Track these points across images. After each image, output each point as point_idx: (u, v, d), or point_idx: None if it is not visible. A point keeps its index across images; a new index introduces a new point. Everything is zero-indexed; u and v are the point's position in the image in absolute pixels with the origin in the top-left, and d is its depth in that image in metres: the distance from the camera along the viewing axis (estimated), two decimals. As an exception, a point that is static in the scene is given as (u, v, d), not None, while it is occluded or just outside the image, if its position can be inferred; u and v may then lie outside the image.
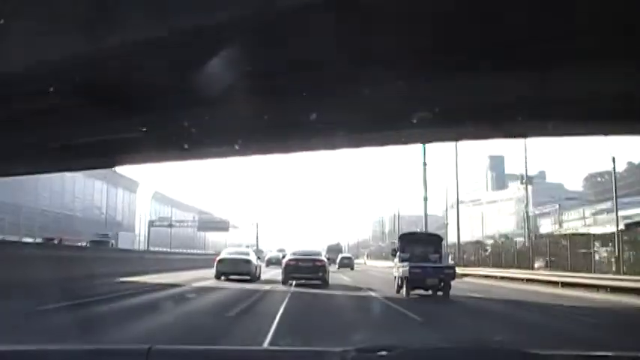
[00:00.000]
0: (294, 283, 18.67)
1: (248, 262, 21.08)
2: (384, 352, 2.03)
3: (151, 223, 54.64)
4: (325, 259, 20.41)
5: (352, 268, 43.57)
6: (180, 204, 62.39)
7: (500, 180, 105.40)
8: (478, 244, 41.54)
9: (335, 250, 62.38)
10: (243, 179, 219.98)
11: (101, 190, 45.67)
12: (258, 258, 24.58)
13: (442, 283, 15.57)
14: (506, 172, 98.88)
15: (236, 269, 20.67)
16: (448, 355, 2.30)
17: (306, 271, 18.96)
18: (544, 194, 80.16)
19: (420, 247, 17.65)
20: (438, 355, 2.29)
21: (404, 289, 15.88)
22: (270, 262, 37.06)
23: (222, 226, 55.90)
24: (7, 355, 2.16)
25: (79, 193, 41.73)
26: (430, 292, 15.79)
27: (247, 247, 33.34)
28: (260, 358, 2.54)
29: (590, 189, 79.36)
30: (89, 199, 43.42)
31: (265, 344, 6.94)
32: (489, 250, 37.21)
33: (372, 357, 2.04)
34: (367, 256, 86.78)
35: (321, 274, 18.95)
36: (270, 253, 48.70)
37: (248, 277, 20.32)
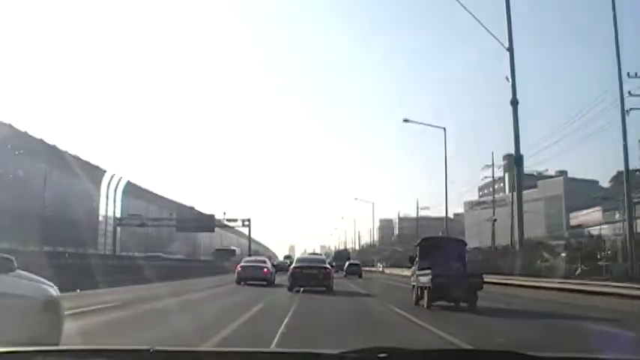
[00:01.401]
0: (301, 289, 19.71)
1: (265, 269, 24.45)
2: (383, 355, 2.05)
3: (119, 222, 44.41)
4: (330, 267, 22.16)
5: (360, 276, 42.23)
6: (160, 199, 51.52)
7: (520, 180, 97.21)
8: (540, 246, 31.21)
9: (342, 256, 60.31)
10: (237, 176, 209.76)
11: (46, 176, 35.17)
12: (273, 265, 27.76)
13: (468, 294, 14.36)
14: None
15: (255, 275, 23.72)
16: (447, 358, 2.39)
17: (311, 278, 20.34)
18: (579, 192, 72.90)
19: (442, 254, 16.26)
20: (437, 357, 2.33)
21: (425, 300, 14.69)
22: (278, 269, 36.99)
23: (205, 224, 45.82)
24: (8, 355, 2.21)
25: (10, 178, 31.22)
26: (453, 303, 14.71)
27: (233, 248, 29.44)
28: None
29: (621, 187, 71.62)
30: (24, 187, 32.87)
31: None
32: (563, 255, 27.14)
33: (371, 359, 2.06)
34: (380, 263, 77.65)
35: (326, 281, 20.45)
36: (277, 259, 52.28)
37: (265, 282, 23.45)
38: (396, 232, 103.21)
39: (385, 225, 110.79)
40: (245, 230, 56.15)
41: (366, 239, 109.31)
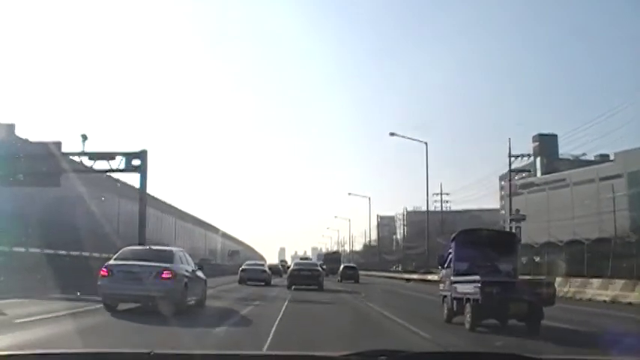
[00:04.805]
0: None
1: (264, 271, 31.98)
2: (383, 357, 2.14)
3: None
4: (321, 269, 29.49)
5: (357, 281, 39.67)
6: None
7: (554, 164, 78.78)
8: None
9: (333, 259, 59.32)
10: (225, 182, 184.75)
11: None
12: (270, 268, 35.76)
13: (533, 310, 10.79)
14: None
15: (255, 276, 30.60)
16: None
17: (306, 278, 26.53)
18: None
19: (485, 253, 12.69)
20: (435, 359, 2.47)
21: (468, 317, 11.15)
22: (273, 272, 37.58)
23: (34, 165, 19.41)
24: (10, 358, 2.26)
25: None
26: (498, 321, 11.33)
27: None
28: None
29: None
30: None
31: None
32: None
33: None
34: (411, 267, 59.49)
35: (318, 280, 26.64)
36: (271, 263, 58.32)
37: (263, 283, 29.83)
38: (401, 229, 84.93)
39: (384, 222, 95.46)
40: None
41: (362, 240, 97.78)
